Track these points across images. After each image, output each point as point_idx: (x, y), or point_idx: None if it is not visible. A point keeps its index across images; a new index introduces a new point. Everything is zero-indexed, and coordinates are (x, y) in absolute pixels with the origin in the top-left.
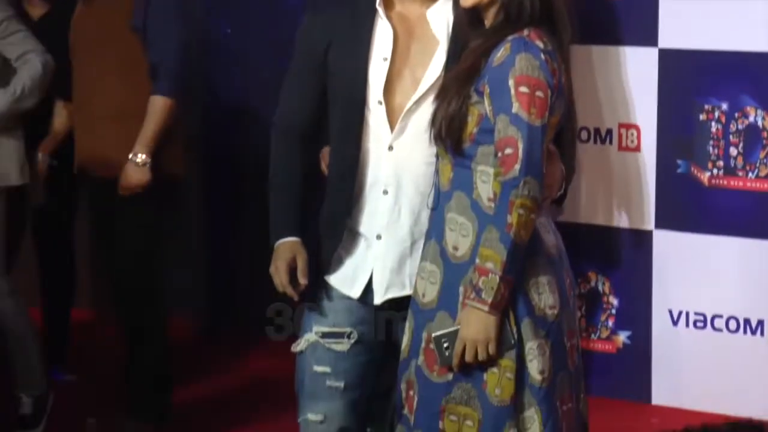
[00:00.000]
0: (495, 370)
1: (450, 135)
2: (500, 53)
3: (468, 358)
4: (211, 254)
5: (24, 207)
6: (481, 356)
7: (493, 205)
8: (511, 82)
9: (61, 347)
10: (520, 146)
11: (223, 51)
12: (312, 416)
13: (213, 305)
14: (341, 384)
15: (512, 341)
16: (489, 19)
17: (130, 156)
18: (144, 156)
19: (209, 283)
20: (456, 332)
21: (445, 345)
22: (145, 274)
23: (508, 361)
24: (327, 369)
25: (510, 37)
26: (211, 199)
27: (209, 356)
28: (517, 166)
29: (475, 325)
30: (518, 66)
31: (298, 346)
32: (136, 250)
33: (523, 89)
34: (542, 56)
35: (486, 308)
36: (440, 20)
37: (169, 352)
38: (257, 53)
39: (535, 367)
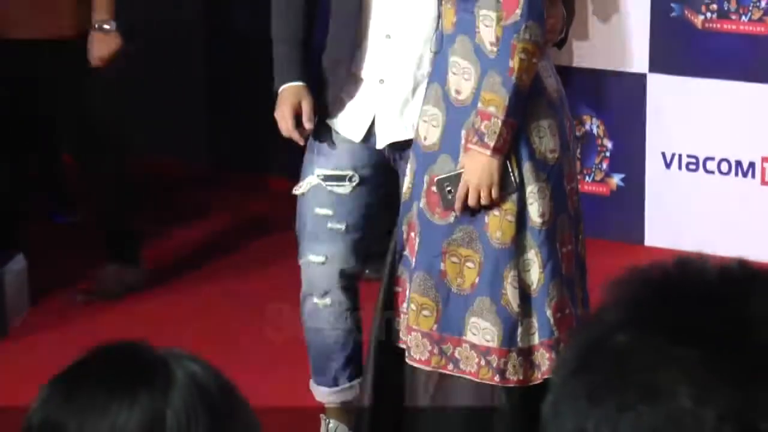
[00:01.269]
0: (496, 212)
1: None
2: None
3: (471, 201)
4: (213, 98)
5: None
6: (484, 200)
7: (495, 49)
8: None
9: (58, 190)
10: None
11: None
12: (313, 258)
13: (214, 149)
14: (342, 226)
15: (514, 184)
16: None
17: (95, 24)
18: (110, 21)
19: (211, 126)
20: (459, 175)
21: (448, 188)
22: (107, 126)
23: (509, 204)
24: (328, 211)
25: None
26: (212, 43)
27: (209, 199)
28: (519, 11)
29: (478, 168)
30: None
31: (300, 189)
32: (94, 108)
33: None
34: None
35: (489, 152)
36: None
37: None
38: None
39: (535, 210)
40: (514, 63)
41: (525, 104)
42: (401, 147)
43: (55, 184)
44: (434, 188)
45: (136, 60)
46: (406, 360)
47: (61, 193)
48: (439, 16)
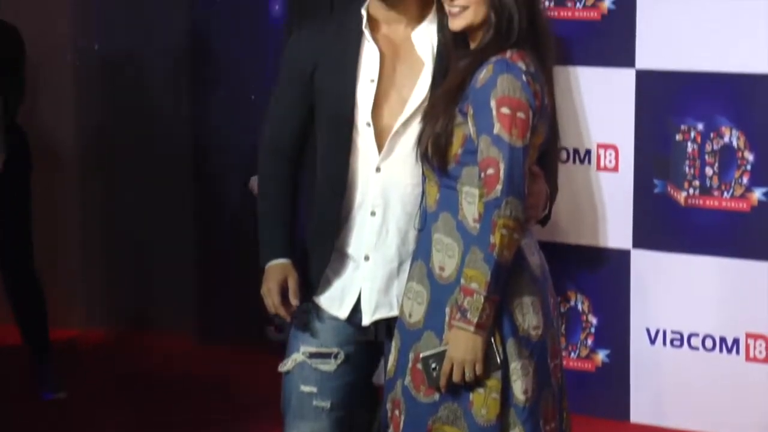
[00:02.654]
0: (481, 390)
1: (436, 154)
2: (483, 74)
3: (455, 378)
4: (200, 270)
5: None
6: (468, 376)
7: (478, 226)
8: (492, 103)
9: (46, 366)
10: (502, 167)
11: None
12: None
13: (201, 322)
14: (327, 404)
15: (498, 361)
16: (476, 40)
17: None
18: None
19: (198, 299)
20: (443, 353)
21: (433, 366)
22: None
23: (494, 380)
24: (314, 389)
25: (493, 59)
26: (201, 212)
27: (193, 371)
28: (499, 187)
29: (462, 345)
30: (500, 87)
31: (285, 366)
32: None
33: (505, 110)
34: (524, 77)
35: (472, 328)
36: (425, 42)
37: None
38: (246, 65)
39: (519, 387)
40: (495, 239)
41: (507, 280)
42: (386, 324)
43: (43, 359)
44: (419, 365)
45: (125, 234)
46: None
47: (49, 368)
48: (423, 193)
